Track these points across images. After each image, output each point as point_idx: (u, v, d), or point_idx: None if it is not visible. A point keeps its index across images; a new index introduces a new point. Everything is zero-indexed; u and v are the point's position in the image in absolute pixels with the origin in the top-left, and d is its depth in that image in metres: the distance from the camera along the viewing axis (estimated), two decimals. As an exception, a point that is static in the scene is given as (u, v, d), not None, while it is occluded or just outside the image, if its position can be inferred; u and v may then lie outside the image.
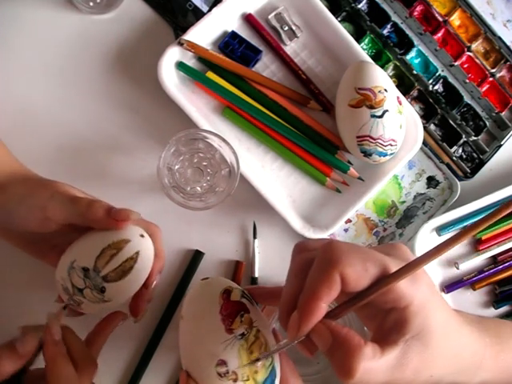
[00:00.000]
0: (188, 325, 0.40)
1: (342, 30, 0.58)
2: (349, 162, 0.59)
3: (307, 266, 0.35)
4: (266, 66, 0.60)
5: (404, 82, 0.63)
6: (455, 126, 0.62)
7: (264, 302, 0.42)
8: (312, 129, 0.59)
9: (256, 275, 0.57)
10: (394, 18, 0.63)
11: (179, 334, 0.41)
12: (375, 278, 0.33)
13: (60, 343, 0.42)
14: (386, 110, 0.54)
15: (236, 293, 0.40)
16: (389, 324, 0.35)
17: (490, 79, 0.63)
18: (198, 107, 0.57)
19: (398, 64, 0.62)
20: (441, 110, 0.62)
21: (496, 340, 0.40)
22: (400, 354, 0.34)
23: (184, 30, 0.56)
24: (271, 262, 0.58)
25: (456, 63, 0.62)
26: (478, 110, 0.64)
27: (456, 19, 0.63)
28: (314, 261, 0.35)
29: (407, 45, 0.63)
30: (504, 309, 0.61)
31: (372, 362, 0.32)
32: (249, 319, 0.39)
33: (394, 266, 0.34)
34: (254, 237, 0.58)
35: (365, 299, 0.34)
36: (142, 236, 0.45)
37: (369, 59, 0.58)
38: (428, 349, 0.34)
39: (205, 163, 0.55)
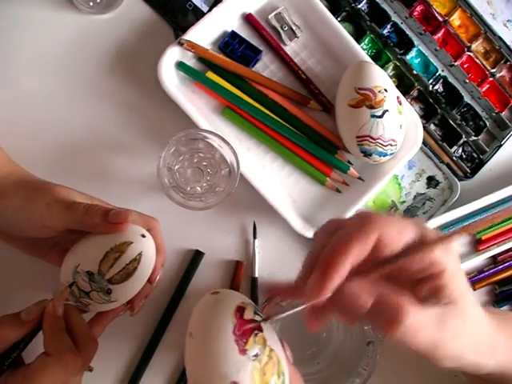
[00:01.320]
0: (198, 343, 0.38)
1: (342, 30, 0.59)
2: (349, 162, 0.59)
3: (337, 229, 0.34)
4: (266, 66, 0.60)
5: (404, 82, 0.63)
6: (455, 126, 0.62)
7: (289, 297, 0.41)
8: (312, 129, 0.59)
9: (256, 275, 0.57)
10: (394, 17, 0.63)
11: (186, 351, 0.39)
12: (410, 242, 0.33)
13: (60, 318, 0.43)
14: (386, 110, 0.54)
15: (249, 309, 0.39)
16: (424, 291, 0.34)
17: (490, 79, 0.63)
18: (198, 107, 0.57)
19: (398, 64, 0.62)
20: (441, 110, 0.62)
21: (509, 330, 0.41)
22: (440, 313, 0.33)
23: (184, 30, 0.56)
24: (271, 262, 0.58)
25: (456, 63, 0.62)
26: (478, 109, 0.63)
27: (456, 19, 0.63)
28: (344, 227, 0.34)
29: (407, 45, 0.63)
30: (504, 309, 0.61)
31: (418, 314, 0.32)
32: (263, 338, 0.38)
33: (431, 235, 0.34)
34: (254, 237, 0.58)
35: (404, 260, 0.33)
36: (144, 236, 0.45)
37: (369, 59, 0.58)
38: (463, 315, 0.35)
39: (205, 163, 0.55)
